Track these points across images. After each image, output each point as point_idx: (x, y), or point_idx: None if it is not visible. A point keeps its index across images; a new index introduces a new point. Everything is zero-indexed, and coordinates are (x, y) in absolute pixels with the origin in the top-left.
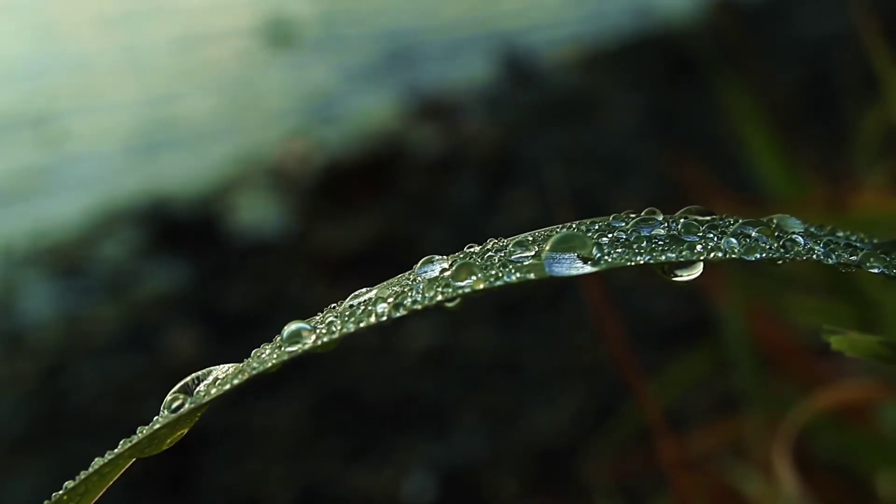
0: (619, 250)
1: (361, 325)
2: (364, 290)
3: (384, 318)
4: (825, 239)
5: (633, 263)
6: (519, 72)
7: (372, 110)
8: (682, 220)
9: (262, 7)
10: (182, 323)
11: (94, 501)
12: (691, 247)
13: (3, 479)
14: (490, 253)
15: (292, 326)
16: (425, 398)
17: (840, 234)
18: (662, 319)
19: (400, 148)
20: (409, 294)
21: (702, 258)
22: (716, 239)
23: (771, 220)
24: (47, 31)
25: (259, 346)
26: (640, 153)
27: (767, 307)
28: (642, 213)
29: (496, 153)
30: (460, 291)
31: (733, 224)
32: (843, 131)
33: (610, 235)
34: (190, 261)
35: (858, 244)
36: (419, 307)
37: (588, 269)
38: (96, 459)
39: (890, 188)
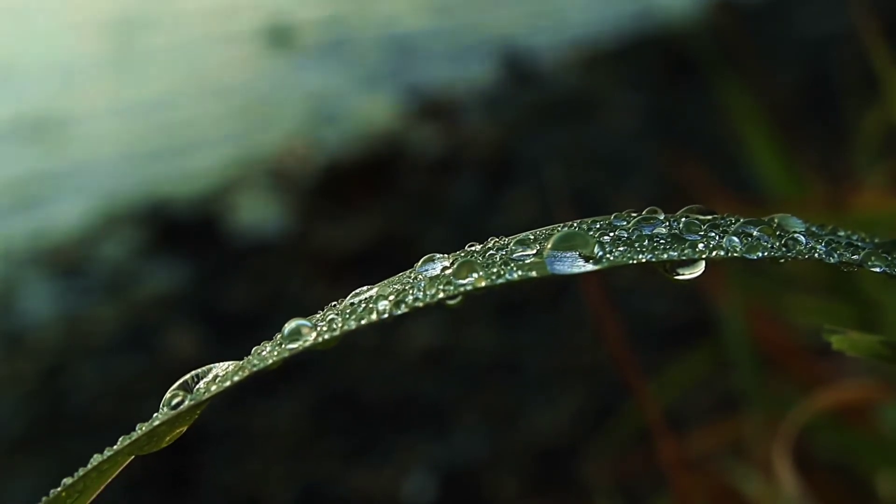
0: (621, 248)
1: (363, 322)
2: (365, 287)
3: (386, 316)
4: (826, 238)
5: (635, 262)
6: (519, 72)
7: (372, 110)
8: (683, 219)
9: (264, 10)
10: (182, 323)
11: (93, 499)
12: (693, 245)
13: (3, 479)
14: (491, 251)
15: (293, 323)
16: (425, 398)
17: (841, 233)
18: (662, 320)
19: (400, 148)
20: (411, 292)
21: (703, 256)
22: (717, 238)
23: (772, 219)
24: (47, 32)
25: (259, 345)
26: (641, 153)
27: (767, 307)
28: (643, 213)
29: (496, 153)
30: (462, 289)
31: (734, 223)
32: (843, 131)
33: (611, 234)
34: (190, 261)
35: (860, 243)
36: (421, 304)
37: (590, 267)
38: (95, 456)
39: (890, 188)
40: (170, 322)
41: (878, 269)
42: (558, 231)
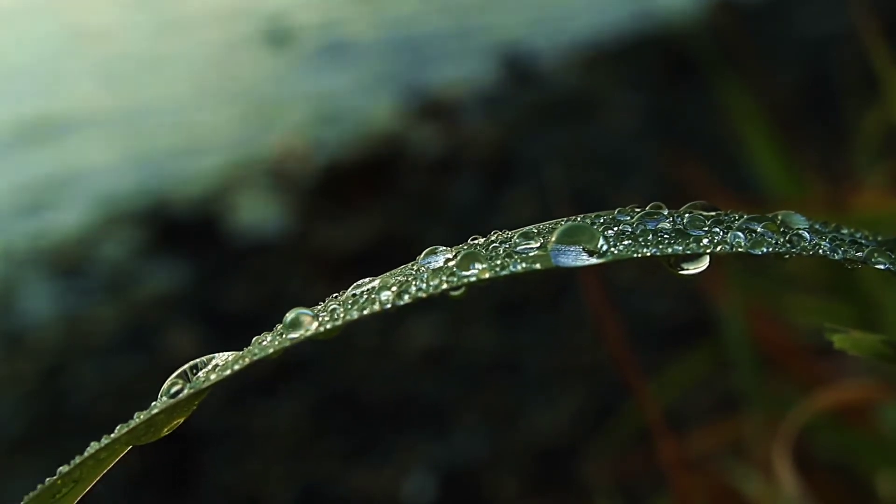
0: (626, 242)
1: (365, 312)
2: (367, 279)
3: (388, 306)
4: (830, 235)
5: (639, 255)
6: (519, 72)
7: (372, 110)
8: (687, 215)
9: (265, 12)
10: (182, 323)
11: (91, 494)
12: (697, 240)
13: (3, 479)
14: (495, 244)
15: (294, 313)
16: (425, 398)
17: (844, 231)
18: (662, 320)
19: (400, 148)
20: (414, 282)
21: (708, 251)
22: (721, 233)
23: (776, 215)
24: (48, 35)
25: (260, 335)
26: (641, 153)
27: (767, 307)
28: (647, 208)
29: (496, 153)
30: (465, 280)
31: (738, 219)
32: (843, 131)
33: (615, 228)
34: (190, 261)
35: (863, 241)
36: (423, 295)
37: (594, 260)
38: (92, 444)
39: (890, 188)
40: (170, 322)
41: (882, 266)
42: (562, 225)
